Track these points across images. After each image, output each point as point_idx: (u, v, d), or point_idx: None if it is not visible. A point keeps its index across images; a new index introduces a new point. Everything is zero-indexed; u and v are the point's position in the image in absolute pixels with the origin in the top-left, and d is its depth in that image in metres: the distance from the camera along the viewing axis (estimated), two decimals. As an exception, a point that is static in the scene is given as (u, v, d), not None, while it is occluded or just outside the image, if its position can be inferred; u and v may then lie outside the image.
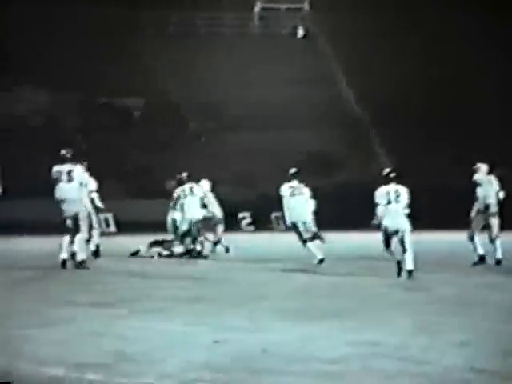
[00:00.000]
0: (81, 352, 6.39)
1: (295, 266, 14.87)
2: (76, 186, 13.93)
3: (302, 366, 5.96)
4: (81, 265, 13.67)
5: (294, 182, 15.64)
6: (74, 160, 14.22)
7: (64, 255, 13.76)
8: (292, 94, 41.29)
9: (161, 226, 18.39)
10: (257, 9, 47.43)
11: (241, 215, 32.36)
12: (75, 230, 13.71)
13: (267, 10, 47.57)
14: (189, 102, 41.39)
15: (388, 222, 12.67)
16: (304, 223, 15.37)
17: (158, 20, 44.27)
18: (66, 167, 13.98)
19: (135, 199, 34.81)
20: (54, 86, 41.07)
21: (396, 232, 12.70)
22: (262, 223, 31.99)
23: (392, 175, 12.91)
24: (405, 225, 12.70)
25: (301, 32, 46.56)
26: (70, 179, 13.89)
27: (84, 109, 41.89)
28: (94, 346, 6.63)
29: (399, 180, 12.94)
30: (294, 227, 15.43)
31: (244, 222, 32.35)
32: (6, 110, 40.77)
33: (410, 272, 12.46)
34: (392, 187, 12.80)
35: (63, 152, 14.24)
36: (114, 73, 40.75)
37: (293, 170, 15.89)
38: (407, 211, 12.84)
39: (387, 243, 12.83)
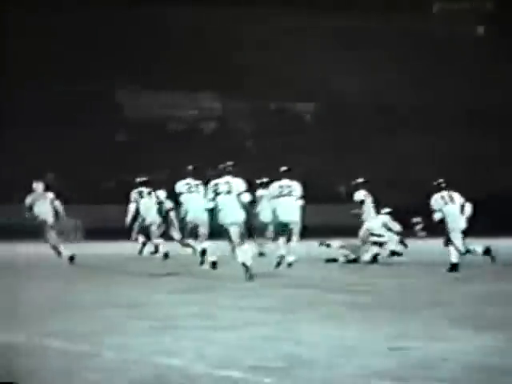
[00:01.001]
0: (256, 355, 6.36)
1: (466, 272, 14.49)
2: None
3: (485, 377, 5.70)
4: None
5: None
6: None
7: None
8: (469, 96, 40.34)
9: (330, 231, 18.39)
10: (435, 9, 46.64)
11: (414, 220, 31.71)
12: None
13: (446, 10, 46.67)
14: (359, 104, 41.17)
15: (450, 224, 15.13)
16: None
17: (327, 22, 44.24)
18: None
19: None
20: (225, 92, 41.94)
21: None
22: (432, 228, 31.28)
23: (443, 185, 15.46)
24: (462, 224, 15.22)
25: (481, 31, 45.38)
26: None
27: (255, 114, 42.50)
28: (268, 350, 6.59)
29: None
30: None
31: (417, 228, 31.69)
32: (181, 115, 41.99)
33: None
34: (445, 193, 15.33)
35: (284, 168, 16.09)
36: (284, 77, 41.10)
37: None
38: (468, 213, 15.28)
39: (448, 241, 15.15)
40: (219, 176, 13.76)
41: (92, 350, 6.53)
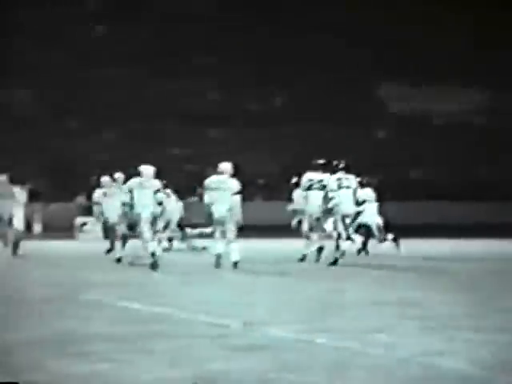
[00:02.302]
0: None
1: None
2: None
3: None
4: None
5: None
6: None
7: None
8: None
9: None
10: None
11: None
12: None
13: None
14: None
15: None
16: None
17: None
18: None
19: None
20: (496, 85, 40.77)
21: None
22: None
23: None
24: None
25: None
26: None
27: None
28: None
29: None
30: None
31: None
32: (445, 109, 41.31)
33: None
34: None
35: None
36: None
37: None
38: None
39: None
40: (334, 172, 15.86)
41: (361, 347, 6.47)
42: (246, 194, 19.49)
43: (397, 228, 19.20)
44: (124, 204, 15.35)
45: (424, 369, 5.71)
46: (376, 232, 18.10)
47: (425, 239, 25.48)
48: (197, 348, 6.46)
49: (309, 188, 16.20)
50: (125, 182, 17.54)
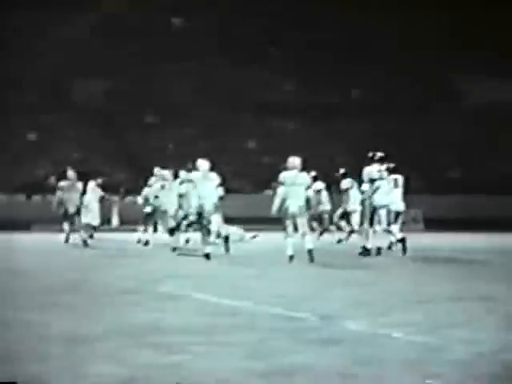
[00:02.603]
0: None
1: None
2: None
3: None
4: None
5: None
6: None
7: None
8: None
9: None
10: None
11: None
12: None
13: None
14: None
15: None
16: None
17: None
18: None
19: None
20: None
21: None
22: None
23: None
24: None
25: None
26: None
27: None
28: None
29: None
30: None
31: None
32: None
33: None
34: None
35: None
36: None
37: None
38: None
39: None
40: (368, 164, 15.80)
41: (438, 342, 6.39)
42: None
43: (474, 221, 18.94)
44: (199, 198, 15.51)
45: (504, 365, 5.62)
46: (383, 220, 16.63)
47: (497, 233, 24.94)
48: (273, 341, 6.48)
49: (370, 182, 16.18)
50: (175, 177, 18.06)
